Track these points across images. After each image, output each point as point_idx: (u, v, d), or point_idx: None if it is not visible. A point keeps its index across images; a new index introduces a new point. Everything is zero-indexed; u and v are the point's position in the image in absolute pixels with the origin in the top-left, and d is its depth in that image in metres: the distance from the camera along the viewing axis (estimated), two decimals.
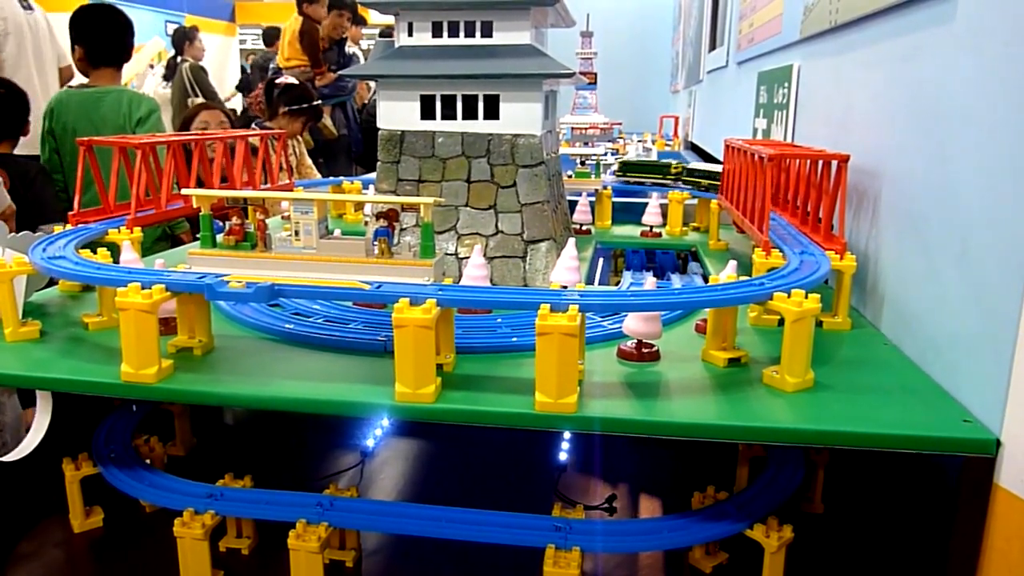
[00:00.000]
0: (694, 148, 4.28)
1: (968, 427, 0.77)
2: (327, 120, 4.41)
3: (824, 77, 1.56)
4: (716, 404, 0.84)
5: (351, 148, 4.65)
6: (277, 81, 3.58)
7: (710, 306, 0.92)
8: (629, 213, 1.91)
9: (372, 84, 4.62)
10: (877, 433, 0.77)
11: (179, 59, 5.51)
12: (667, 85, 6.40)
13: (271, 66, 4.78)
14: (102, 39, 2.74)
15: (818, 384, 0.87)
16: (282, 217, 1.75)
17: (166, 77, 5.49)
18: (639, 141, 3.89)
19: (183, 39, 5.59)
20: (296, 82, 3.75)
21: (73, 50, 2.79)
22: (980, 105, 0.85)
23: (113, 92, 2.69)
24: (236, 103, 6.25)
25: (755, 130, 2.23)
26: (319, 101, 4.32)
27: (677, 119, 5.01)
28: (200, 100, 4.48)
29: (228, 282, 0.86)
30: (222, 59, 8.35)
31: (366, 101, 4.73)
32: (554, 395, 0.79)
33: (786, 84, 1.80)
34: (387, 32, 5.44)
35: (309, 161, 3.49)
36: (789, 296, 0.86)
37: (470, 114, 1.26)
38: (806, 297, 0.85)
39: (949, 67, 0.93)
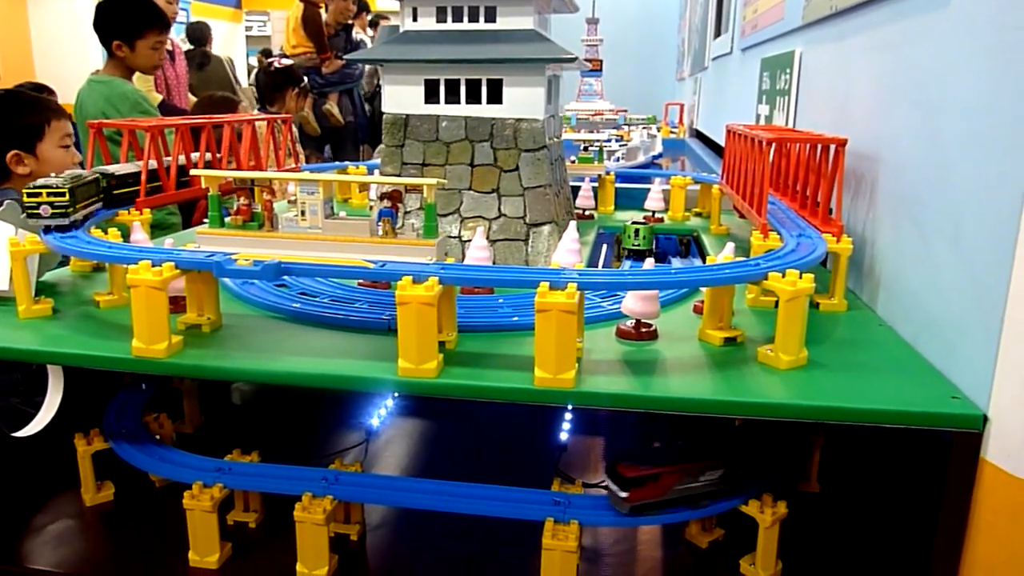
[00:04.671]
0: (699, 135, 4.28)
1: (956, 403, 0.79)
2: (333, 107, 4.42)
3: (825, 63, 1.57)
4: (711, 380, 0.86)
5: (357, 135, 4.66)
6: (275, 67, 3.62)
7: (706, 285, 0.94)
8: (631, 199, 1.92)
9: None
10: (867, 408, 0.79)
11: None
12: (673, 72, 6.39)
13: (277, 54, 4.79)
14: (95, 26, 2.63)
15: (812, 362, 0.89)
16: (288, 202, 1.77)
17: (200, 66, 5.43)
18: (643, 128, 3.90)
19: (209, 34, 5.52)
20: (289, 62, 3.80)
21: None
22: (974, 91, 0.86)
23: (93, 83, 2.61)
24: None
25: (758, 116, 2.24)
26: (325, 84, 4.36)
27: (682, 106, 5.02)
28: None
29: (236, 260, 0.88)
30: (228, 47, 8.35)
31: (377, 88, 4.73)
32: (553, 371, 0.81)
33: (788, 70, 1.81)
34: (378, 20, 5.42)
35: (300, 148, 3.52)
36: (784, 276, 0.88)
37: (474, 98, 1.28)
38: (800, 277, 0.87)
39: (944, 53, 0.95)
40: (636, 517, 0.96)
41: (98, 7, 2.65)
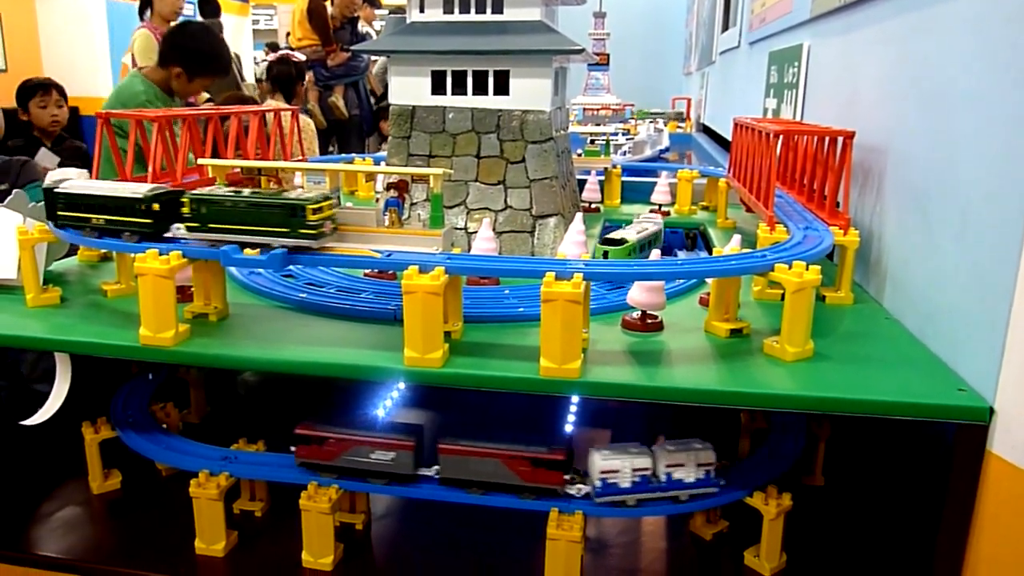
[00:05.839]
0: (706, 130, 4.27)
1: (963, 395, 0.79)
2: (339, 100, 4.41)
3: (833, 56, 1.56)
4: (717, 371, 0.86)
5: (363, 128, 4.66)
6: (295, 59, 3.65)
7: (712, 276, 0.94)
8: (638, 192, 1.92)
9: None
10: (873, 400, 0.78)
11: None
12: (680, 67, 6.37)
13: (283, 47, 4.80)
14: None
15: (818, 354, 0.89)
16: None
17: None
18: (650, 122, 3.90)
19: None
20: (302, 57, 3.85)
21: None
22: (980, 83, 0.86)
23: (130, 76, 2.65)
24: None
25: (765, 110, 2.23)
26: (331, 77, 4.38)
27: (689, 101, 5.00)
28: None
29: (243, 249, 0.89)
30: (236, 40, 8.34)
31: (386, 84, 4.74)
32: (558, 360, 0.81)
33: (796, 63, 1.80)
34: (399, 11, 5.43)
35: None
36: (790, 268, 0.88)
37: (480, 90, 1.28)
38: (807, 269, 0.87)
39: (951, 45, 0.94)
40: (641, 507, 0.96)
41: (185, 31, 2.63)
